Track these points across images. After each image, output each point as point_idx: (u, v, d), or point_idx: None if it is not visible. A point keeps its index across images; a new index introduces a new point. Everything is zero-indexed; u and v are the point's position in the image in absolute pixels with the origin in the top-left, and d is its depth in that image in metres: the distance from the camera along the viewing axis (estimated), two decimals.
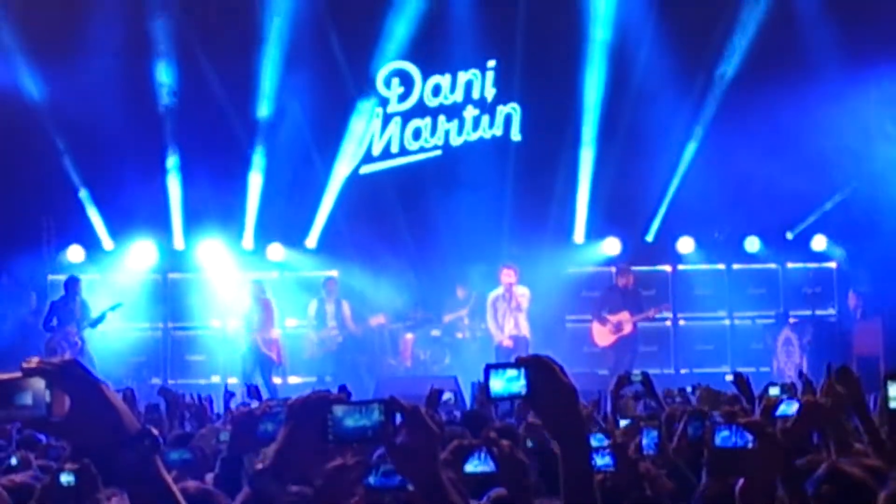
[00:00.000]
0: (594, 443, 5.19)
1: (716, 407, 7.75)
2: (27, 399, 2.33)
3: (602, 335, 18.81)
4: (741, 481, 3.70)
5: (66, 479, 5.53)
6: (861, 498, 4.29)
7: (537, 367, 3.01)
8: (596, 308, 19.09)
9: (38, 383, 2.34)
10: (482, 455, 4.23)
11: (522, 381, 2.99)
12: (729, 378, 9.00)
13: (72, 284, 18.38)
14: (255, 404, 10.07)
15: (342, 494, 3.42)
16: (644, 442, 6.07)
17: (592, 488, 3.02)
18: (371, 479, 3.45)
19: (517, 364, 3.03)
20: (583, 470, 3.03)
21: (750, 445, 4.17)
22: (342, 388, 11.13)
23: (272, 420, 4.87)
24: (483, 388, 3.06)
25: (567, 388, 3.02)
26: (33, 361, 2.37)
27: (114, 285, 19.87)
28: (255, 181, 20.50)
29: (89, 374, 2.41)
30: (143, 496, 2.46)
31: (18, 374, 2.34)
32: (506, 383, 3.01)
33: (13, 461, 7.44)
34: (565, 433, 3.03)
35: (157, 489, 2.45)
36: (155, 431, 2.45)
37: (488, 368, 3.03)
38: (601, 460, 4.59)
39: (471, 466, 4.17)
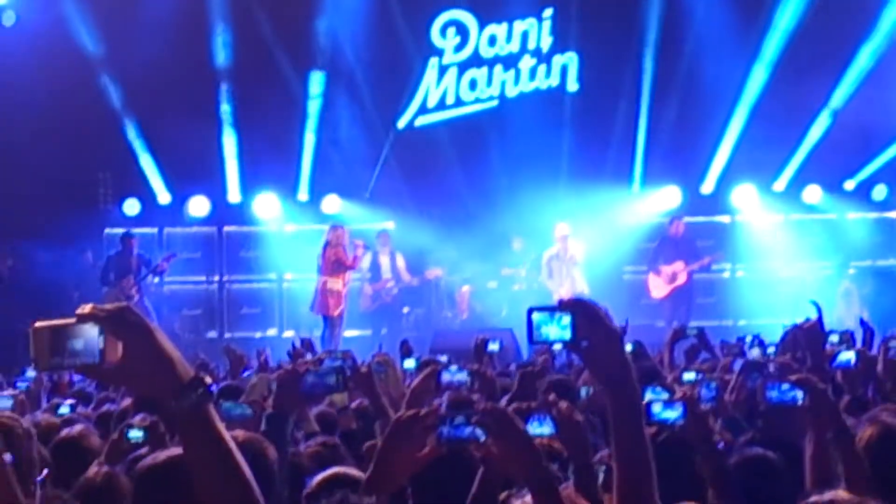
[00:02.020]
0: (650, 395, 5.16)
1: None
2: (80, 345, 2.36)
3: (657, 286, 18.70)
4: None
5: (134, 435, 5.55)
6: None
7: (582, 310, 2.89)
8: (651, 259, 18.97)
9: (92, 330, 2.37)
10: (542, 417, 4.19)
11: (567, 326, 2.88)
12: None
13: (127, 240, 18.47)
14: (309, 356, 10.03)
15: (413, 444, 3.42)
16: (703, 394, 6.04)
17: (642, 434, 2.92)
18: (444, 430, 3.42)
19: (561, 307, 2.91)
20: (631, 415, 2.92)
21: (800, 402, 4.08)
22: (404, 343, 11.08)
23: (313, 375, 4.86)
24: (527, 332, 2.94)
25: (612, 331, 2.90)
26: (87, 307, 2.39)
27: (169, 238, 20.00)
28: (311, 133, 20.46)
29: (143, 321, 2.41)
30: (195, 445, 2.45)
31: (72, 320, 2.37)
32: (550, 327, 2.90)
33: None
34: (611, 378, 2.91)
35: (209, 438, 2.44)
36: (208, 380, 2.44)
37: (531, 311, 2.93)
38: (672, 413, 4.49)
39: (531, 428, 4.11)
